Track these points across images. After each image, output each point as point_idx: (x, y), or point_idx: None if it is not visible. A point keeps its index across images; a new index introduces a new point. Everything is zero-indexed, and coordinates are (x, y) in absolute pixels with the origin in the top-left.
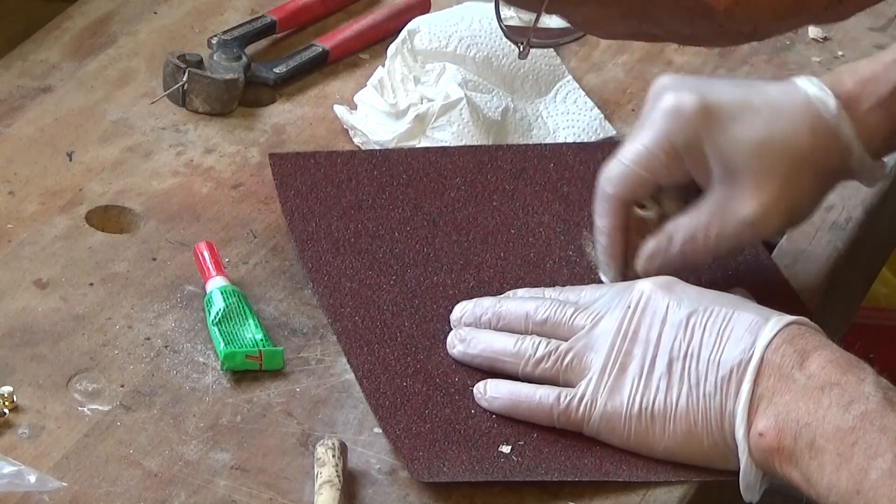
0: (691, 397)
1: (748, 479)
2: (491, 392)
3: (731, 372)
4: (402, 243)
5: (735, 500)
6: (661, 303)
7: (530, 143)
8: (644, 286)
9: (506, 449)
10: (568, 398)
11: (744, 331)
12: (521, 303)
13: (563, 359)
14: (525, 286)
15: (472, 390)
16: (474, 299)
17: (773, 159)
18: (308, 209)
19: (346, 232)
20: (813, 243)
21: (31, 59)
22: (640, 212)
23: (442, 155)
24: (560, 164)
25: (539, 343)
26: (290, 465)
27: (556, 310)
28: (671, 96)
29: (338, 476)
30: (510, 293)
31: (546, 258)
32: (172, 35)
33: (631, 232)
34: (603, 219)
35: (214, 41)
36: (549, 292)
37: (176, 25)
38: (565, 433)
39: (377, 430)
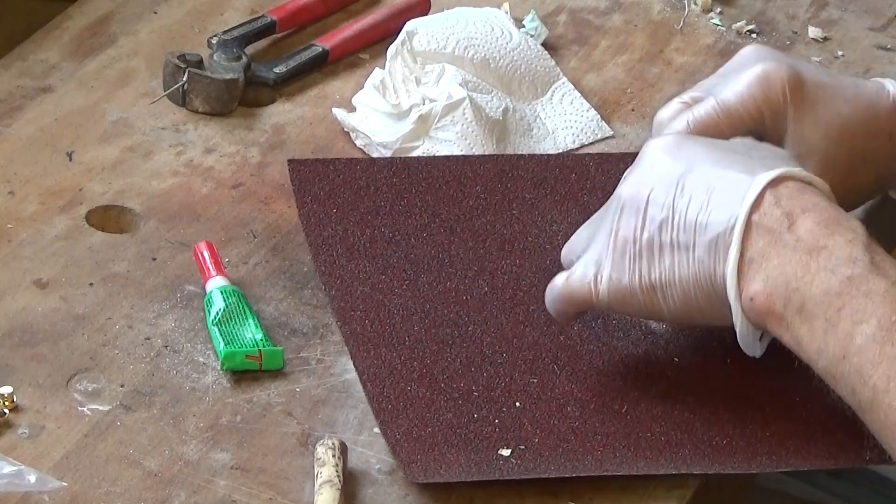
0: (682, 263)
1: (745, 339)
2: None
3: (717, 236)
4: (417, 249)
5: (735, 500)
6: (659, 161)
7: (531, 142)
8: (652, 143)
9: (506, 452)
10: (573, 274)
11: (730, 192)
12: None
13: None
14: (539, 294)
15: (475, 395)
16: None
17: (845, 146)
18: (325, 214)
19: (362, 237)
20: None
21: (31, 59)
22: None
23: (462, 163)
24: (582, 175)
25: None
26: (290, 465)
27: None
28: (763, 65)
29: (338, 476)
30: None
31: (562, 267)
32: (172, 35)
33: None
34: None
35: (214, 41)
36: None
37: (176, 25)
38: (567, 436)
39: (377, 430)
